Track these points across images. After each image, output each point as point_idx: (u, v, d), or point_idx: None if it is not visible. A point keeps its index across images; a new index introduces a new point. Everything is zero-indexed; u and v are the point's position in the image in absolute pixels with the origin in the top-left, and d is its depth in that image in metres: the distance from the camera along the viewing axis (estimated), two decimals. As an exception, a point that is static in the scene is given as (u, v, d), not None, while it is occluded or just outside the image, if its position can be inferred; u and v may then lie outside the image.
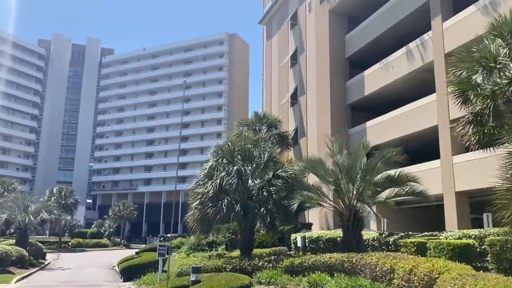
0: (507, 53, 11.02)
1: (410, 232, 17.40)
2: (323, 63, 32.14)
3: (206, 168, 19.31)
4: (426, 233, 16.44)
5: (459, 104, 12.11)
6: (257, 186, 18.37)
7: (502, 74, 11.13)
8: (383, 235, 17.69)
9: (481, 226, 16.92)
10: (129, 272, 18.76)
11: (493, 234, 13.05)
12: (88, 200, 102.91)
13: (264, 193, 17.99)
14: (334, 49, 31.61)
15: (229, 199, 17.92)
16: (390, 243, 16.59)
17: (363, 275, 12.20)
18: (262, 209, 18.86)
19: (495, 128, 11.40)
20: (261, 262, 15.42)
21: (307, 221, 28.21)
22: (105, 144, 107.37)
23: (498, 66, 11.16)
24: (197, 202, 18.67)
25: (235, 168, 18.21)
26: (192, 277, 11.79)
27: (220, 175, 18.07)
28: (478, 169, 18.95)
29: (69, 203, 52.81)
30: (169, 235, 57.65)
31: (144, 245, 48.70)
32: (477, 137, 11.75)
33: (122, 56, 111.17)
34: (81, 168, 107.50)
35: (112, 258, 30.27)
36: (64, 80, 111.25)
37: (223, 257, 18.96)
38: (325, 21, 32.45)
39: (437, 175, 21.84)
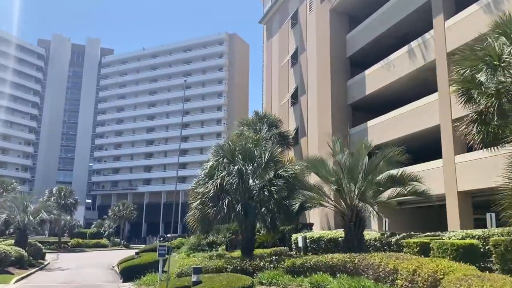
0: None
1: (412, 232, 17.30)
2: (324, 62, 32.01)
3: (206, 167, 19.17)
4: (428, 233, 16.32)
5: (462, 102, 11.99)
6: (258, 185, 18.24)
7: (506, 72, 11.03)
8: (385, 235, 17.58)
9: (484, 226, 16.80)
10: (129, 272, 18.64)
11: (497, 234, 12.92)
12: (87, 200, 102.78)
13: (265, 193, 17.85)
14: (335, 48, 31.47)
15: (230, 199, 17.79)
16: (392, 243, 16.48)
17: (366, 275, 12.08)
18: (263, 209, 18.73)
19: (499, 127, 11.29)
20: (262, 263, 15.30)
21: (307, 221, 28.08)
22: (104, 144, 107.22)
23: (502, 65, 11.06)
24: (198, 202, 18.53)
25: (236, 167, 18.06)
26: (193, 278, 11.64)
27: (221, 175, 17.93)
28: (481, 169, 18.84)
29: (68, 203, 52.66)
30: (169, 235, 57.50)
31: (144, 245, 48.60)
32: (481, 136, 11.63)
33: (121, 56, 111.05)
34: (80, 168, 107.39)
35: (112, 259, 30.16)
36: (63, 80, 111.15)
37: (223, 258, 18.85)
38: (326, 20, 32.31)
39: (439, 174, 21.71)
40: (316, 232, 23.31)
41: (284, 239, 24.82)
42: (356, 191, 16.33)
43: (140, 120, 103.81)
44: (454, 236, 14.43)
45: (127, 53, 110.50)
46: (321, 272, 13.24)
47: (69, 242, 50.70)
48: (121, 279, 19.49)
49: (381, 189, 16.39)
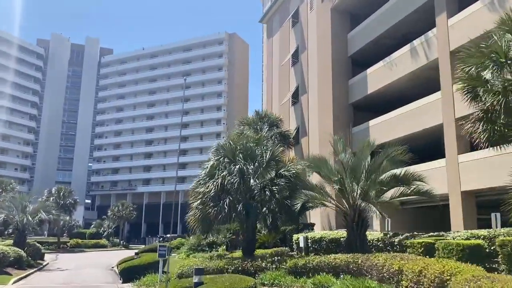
0: (518, 48, 10.75)
1: (415, 232, 17.11)
2: (325, 61, 31.83)
3: (207, 167, 18.96)
4: (432, 233, 16.14)
5: (468, 100, 11.84)
6: (259, 185, 18.02)
7: (513, 69, 10.87)
8: (388, 236, 17.39)
9: (488, 226, 16.61)
10: (128, 273, 18.48)
11: (503, 235, 12.75)
12: (87, 201, 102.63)
13: (267, 192, 17.64)
14: (336, 47, 31.28)
15: (231, 198, 17.56)
16: (395, 243, 16.29)
17: (370, 276, 11.89)
18: (264, 209, 18.53)
19: (506, 125, 11.12)
20: (264, 263, 15.12)
21: (308, 221, 27.89)
22: (104, 144, 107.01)
23: (509, 62, 10.90)
24: (198, 201, 18.32)
25: (237, 167, 17.85)
26: (195, 279, 11.42)
27: (222, 174, 17.72)
28: (485, 168, 18.67)
29: (67, 203, 52.49)
30: (168, 235, 57.30)
31: (143, 246, 48.38)
32: (486, 135, 11.47)
33: (121, 56, 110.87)
34: (80, 168, 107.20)
35: (111, 259, 30.01)
36: (63, 80, 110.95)
37: (224, 258, 18.65)
38: (327, 19, 32.13)
39: (442, 174, 21.53)
40: (318, 232, 23.11)
41: (285, 239, 24.63)
42: (359, 191, 16.14)
43: (139, 120, 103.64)
44: (459, 236, 14.24)
45: (127, 53, 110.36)
46: (324, 273, 13.05)
47: (68, 242, 50.60)
48: (120, 279, 19.34)
49: (384, 188, 16.21)
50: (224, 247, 27.03)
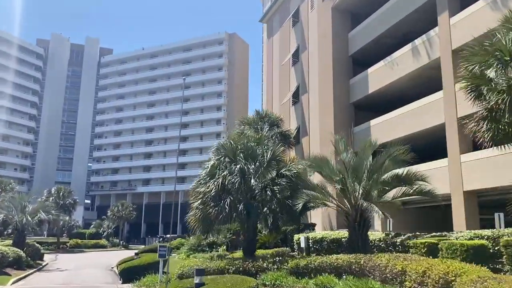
0: (522, 46, 10.64)
1: (418, 233, 16.99)
2: (326, 61, 31.71)
3: (208, 166, 18.81)
4: (434, 233, 16.03)
5: (471, 99, 11.72)
6: (260, 185, 17.87)
7: (517, 67, 10.76)
8: (390, 236, 17.26)
9: (490, 226, 16.53)
10: (128, 273, 18.37)
11: (507, 235, 12.61)
12: (86, 201, 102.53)
13: (268, 192, 17.48)
14: (337, 46, 31.18)
15: (231, 198, 17.40)
16: (398, 244, 16.16)
17: (372, 277, 11.75)
18: (265, 209, 18.36)
19: (510, 124, 10.99)
20: (265, 264, 14.96)
21: (309, 222, 27.77)
22: (103, 144, 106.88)
23: (513, 60, 10.78)
24: (199, 201, 18.17)
25: (237, 166, 17.70)
26: (196, 280, 11.28)
27: (223, 174, 17.56)
28: (488, 168, 18.56)
29: (67, 203, 52.33)
30: (168, 235, 57.15)
31: (143, 246, 48.30)
32: (491, 134, 11.34)
33: (121, 56, 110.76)
34: (79, 169, 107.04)
35: (111, 259, 29.91)
36: (62, 80, 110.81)
37: (225, 258, 18.53)
38: (328, 18, 32.01)
39: (444, 174, 21.40)
40: (319, 232, 22.99)
41: (286, 239, 24.51)
42: (361, 191, 15.99)
43: (139, 120, 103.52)
44: (462, 236, 14.11)
45: (127, 53, 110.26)
46: (326, 274, 12.91)
47: (68, 242, 50.49)
48: (120, 280, 19.24)
49: (387, 188, 16.08)
50: (224, 247, 26.91)
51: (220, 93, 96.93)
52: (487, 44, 11.44)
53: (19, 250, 23.61)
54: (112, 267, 25.13)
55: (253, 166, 17.92)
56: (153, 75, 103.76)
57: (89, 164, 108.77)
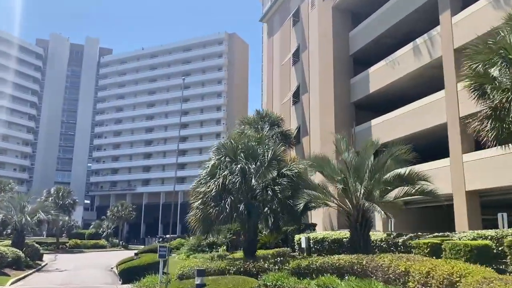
0: (526, 44, 10.54)
1: (419, 233, 16.87)
2: (326, 60, 31.60)
3: (208, 166, 18.67)
4: (437, 233, 15.93)
5: (475, 98, 11.62)
6: (261, 185, 17.74)
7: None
8: (392, 236, 17.14)
9: (493, 226, 16.40)
10: (128, 274, 18.28)
11: (511, 235, 12.48)
12: (86, 201, 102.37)
13: (269, 192, 17.36)
14: (338, 46, 31.05)
15: (232, 198, 17.26)
16: (399, 244, 16.05)
17: (375, 277, 11.63)
18: (266, 209, 18.24)
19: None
20: (266, 264, 14.82)
21: (310, 222, 27.63)
22: (103, 145, 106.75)
23: (518, 58, 10.67)
24: (199, 201, 18.03)
25: (238, 166, 17.56)
26: (197, 280, 11.15)
27: (223, 174, 17.42)
28: (490, 168, 18.44)
29: (66, 203, 52.20)
30: (168, 236, 57.04)
31: (142, 246, 48.16)
32: (495, 133, 11.23)
33: (120, 56, 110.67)
34: (79, 169, 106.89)
35: (111, 260, 29.81)
36: (62, 80, 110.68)
37: (225, 259, 18.39)
38: (329, 18, 31.90)
39: (446, 174, 21.28)
40: (320, 232, 22.87)
41: (287, 239, 24.38)
42: (363, 190, 15.87)
43: (139, 120, 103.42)
44: (465, 236, 14.00)
45: (126, 53, 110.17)
46: (328, 274, 12.77)
47: (67, 242, 50.40)
48: (120, 280, 19.15)
49: (389, 188, 15.95)
50: (225, 247, 26.78)
51: (220, 93, 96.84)
52: (491, 42, 11.34)
53: (18, 251, 23.53)
54: (112, 268, 25.03)
55: (254, 166, 17.78)
56: (153, 75, 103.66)
57: (89, 164, 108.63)
